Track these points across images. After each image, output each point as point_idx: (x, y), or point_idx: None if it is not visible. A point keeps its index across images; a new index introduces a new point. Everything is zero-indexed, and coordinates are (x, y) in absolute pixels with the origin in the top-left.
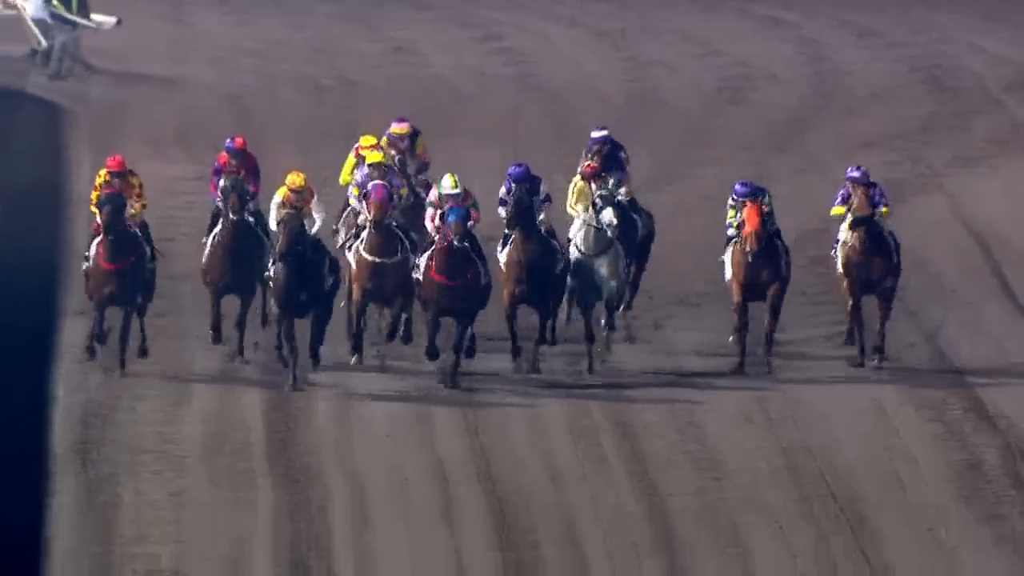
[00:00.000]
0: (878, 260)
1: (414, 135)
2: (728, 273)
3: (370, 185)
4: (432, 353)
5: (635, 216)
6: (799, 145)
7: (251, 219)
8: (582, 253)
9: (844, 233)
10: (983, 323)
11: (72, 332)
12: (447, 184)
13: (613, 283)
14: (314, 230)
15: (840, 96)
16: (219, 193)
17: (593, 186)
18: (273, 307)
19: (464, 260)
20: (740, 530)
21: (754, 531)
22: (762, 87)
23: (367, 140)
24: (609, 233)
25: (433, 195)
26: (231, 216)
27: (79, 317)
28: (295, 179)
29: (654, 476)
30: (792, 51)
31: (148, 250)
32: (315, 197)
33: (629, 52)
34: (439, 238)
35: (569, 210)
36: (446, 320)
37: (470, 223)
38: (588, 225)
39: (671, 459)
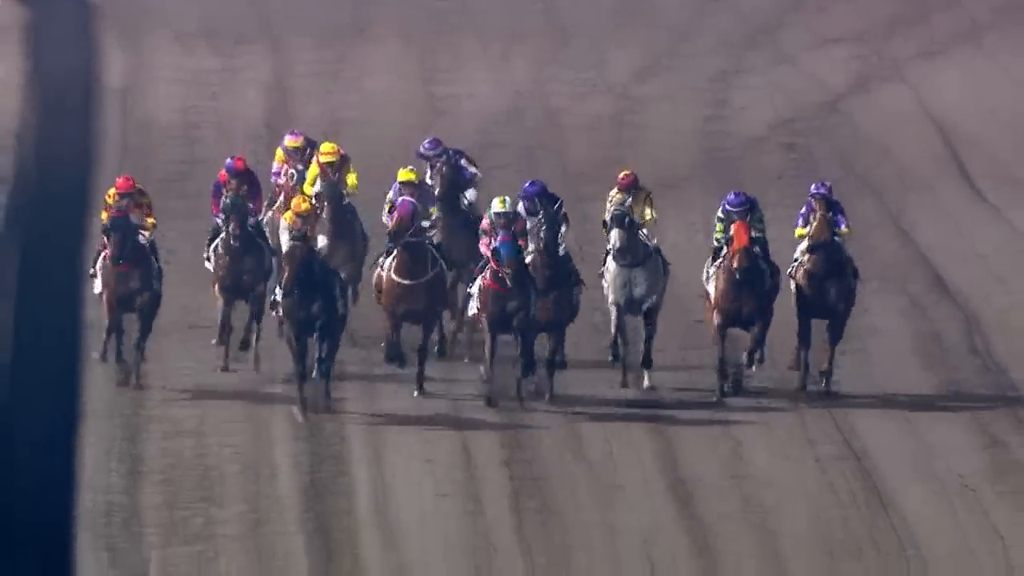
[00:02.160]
0: (831, 286)
1: (309, 146)
2: (710, 290)
3: (398, 200)
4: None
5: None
6: (772, 40)
7: (251, 230)
8: (618, 264)
9: (801, 255)
10: (942, 205)
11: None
12: (496, 205)
13: (652, 297)
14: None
15: None
16: (220, 212)
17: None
18: (286, 332)
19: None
20: (725, 411)
21: (739, 413)
22: None
23: (327, 147)
24: (648, 245)
25: (485, 222)
26: (231, 241)
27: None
28: (300, 204)
29: (654, 379)
30: None
31: (156, 265)
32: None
33: None
34: (493, 268)
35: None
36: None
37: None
38: (623, 235)
39: (663, 356)
